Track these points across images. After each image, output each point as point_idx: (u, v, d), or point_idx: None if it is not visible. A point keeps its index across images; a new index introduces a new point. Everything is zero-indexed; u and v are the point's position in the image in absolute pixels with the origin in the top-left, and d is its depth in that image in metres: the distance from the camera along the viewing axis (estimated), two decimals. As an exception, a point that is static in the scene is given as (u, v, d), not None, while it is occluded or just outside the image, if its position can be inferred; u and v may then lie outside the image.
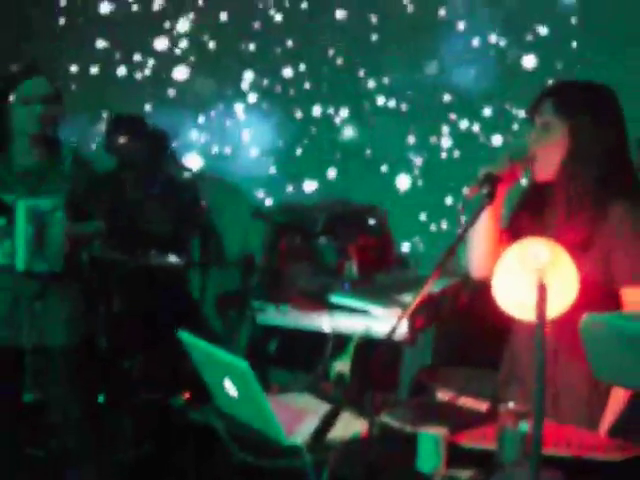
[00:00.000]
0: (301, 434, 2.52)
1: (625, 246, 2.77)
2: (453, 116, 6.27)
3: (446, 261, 2.64)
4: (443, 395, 2.88)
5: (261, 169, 6.66)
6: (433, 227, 6.24)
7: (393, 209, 5.32)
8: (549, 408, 2.69)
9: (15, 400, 4.19)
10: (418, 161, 6.39)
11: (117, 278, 5.15)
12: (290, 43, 6.76)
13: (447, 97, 6.29)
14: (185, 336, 2.77)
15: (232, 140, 6.80)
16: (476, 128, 6.21)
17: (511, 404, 2.43)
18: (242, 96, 6.83)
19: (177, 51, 7.00)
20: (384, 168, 6.40)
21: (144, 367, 5.10)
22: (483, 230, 2.94)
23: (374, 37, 6.51)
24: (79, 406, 4.16)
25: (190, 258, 5.34)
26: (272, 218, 4.71)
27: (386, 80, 6.45)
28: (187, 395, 2.91)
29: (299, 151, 6.70)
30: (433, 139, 6.33)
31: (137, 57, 7.06)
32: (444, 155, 6.32)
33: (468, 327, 4.17)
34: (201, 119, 6.86)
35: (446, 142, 6.32)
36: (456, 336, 4.24)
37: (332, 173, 6.53)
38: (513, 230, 2.93)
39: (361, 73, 6.55)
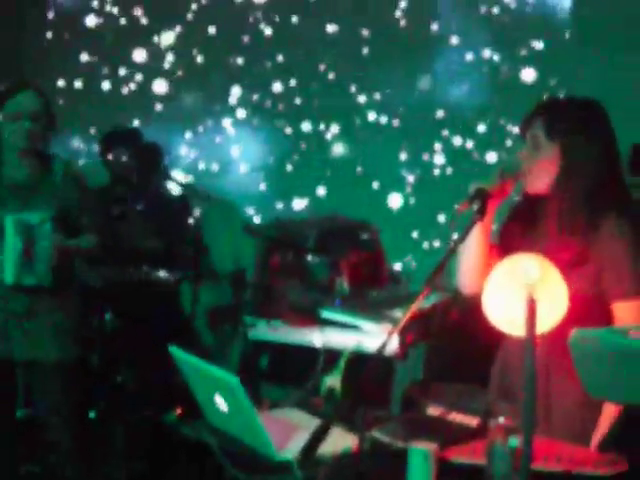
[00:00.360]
0: (292, 449, 2.52)
1: (616, 261, 2.78)
2: (446, 132, 6.27)
3: (436, 276, 2.64)
4: (434, 410, 2.87)
5: (250, 186, 6.61)
6: (426, 245, 6.23)
7: (385, 227, 5.27)
8: (541, 423, 2.71)
9: (10, 416, 4.19)
10: (410, 178, 6.35)
11: (109, 294, 5.15)
12: (280, 58, 6.72)
13: (440, 113, 6.28)
14: (176, 351, 2.76)
15: (221, 156, 6.78)
16: (470, 144, 6.19)
17: (501, 419, 2.43)
18: (231, 111, 6.82)
19: (165, 65, 6.96)
20: (375, 185, 6.37)
21: (136, 383, 5.09)
22: (473, 246, 2.95)
23: (365, 51, 6.50)
24: (71, 422, 4.14)
25: (182, 273, 5.33)
26: (263, 233, 4.71)
27: (377, 96, 6.43)
28: (179, 411, 2.91)
29: (289, 167, 6.67)
30: (425, 156, 6.32)
31: (122, 71, 7.02)
32: (437, 172, 6.28)
33: (460, 343, 4.18)
34: (188, 134, 6.83)
35: (439, 159, 6.30)
36: (448, 352, 4.24)
37: (322, 190, 6.49)
38: (503, 245, 2.95)
39: (352, 88, 6.52)
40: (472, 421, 2.75)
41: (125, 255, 5.23)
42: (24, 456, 4.35)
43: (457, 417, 2.80)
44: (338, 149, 6.54)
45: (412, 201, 6.31)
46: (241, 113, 6.78)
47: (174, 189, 5.78)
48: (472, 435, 2.64)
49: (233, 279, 5.16)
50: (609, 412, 2.76)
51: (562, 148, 2.84)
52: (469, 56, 6.20)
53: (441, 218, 6.13)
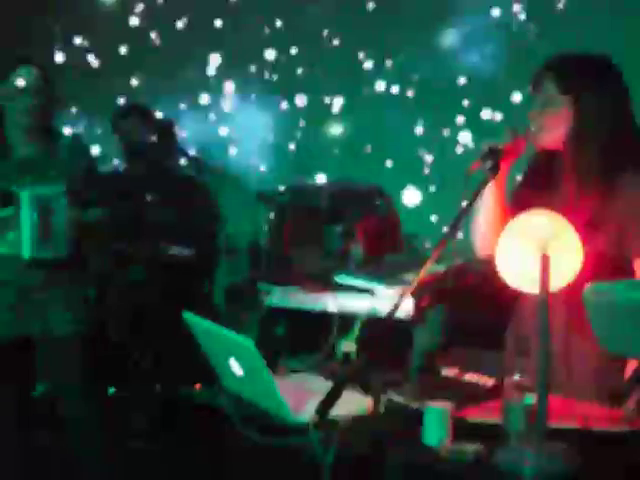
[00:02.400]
0: (308, 413, 2.52)
1: (637, 217, 2.75)
2: (469, 103, 5.59)
3: (449, 238, 2.63)
4: (449, 371, 2.87)
5: (255, 162, 6.17)
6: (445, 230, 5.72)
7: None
8: (563, 383, 2.70)
9: (26, 392, 4.22)
10: (429, 158, 5.74)
11: (126, 269, 5.17)
12: (278, 23, 6.17)
13: (462, 80, 5.61)
14: (190, 317, 2.76)
15: (225, 131, 6.33)
16: (498, 117, 5.48)
17: (517, 377, 2.43)
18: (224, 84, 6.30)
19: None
20: (389, 164, 5.80)
21: (154, 358, 5.11)
22: (487, 205, 2.93)
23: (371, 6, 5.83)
24: (87, 397, 4.16)
25: (198, 248, 5.34)
26: (277, 200, 4.70)
27: (389, 62, 5.83)
28: (197, 386, 2.92)
29: (292, 146, 6.19)
30: (446, 131, 5.66)
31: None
32: (460, 150, 5.56)
33: (476, 307, 4.16)
34: (190, 107, 6.40)
35: (464, 136, 5.51)
36: (465, 316, 4.23)
37: (323, 177, 5.69)
38: (517, 205, 2.91)
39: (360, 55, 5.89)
40: (488, 381, 2.75)
41: (142, 230, 5.23)
42: (41, 432, 4.36)
43: (472, 377, 2.80)
44: (343, 124, 5.91)
45: (432, 182, 5.50)
46: (234, 86, 6.26)
47: (186, 163, 5.77)
48: (488, 394, 2.64)
49: (249, 252, 5.17)
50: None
51: (573, 102, 2.81)
52: (496, 11, 5.44)
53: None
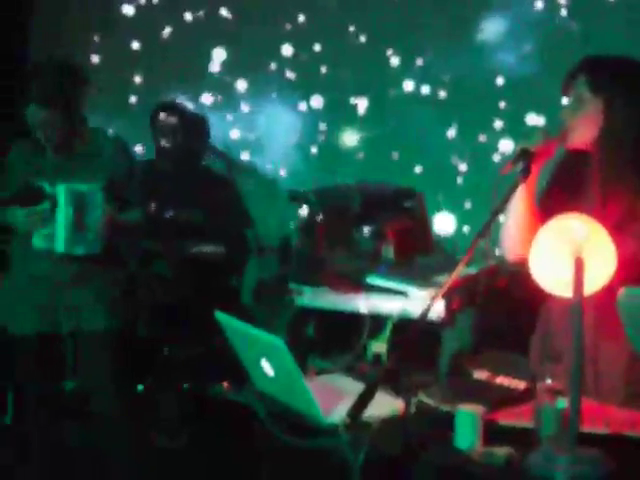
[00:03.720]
0: (338, 414, 2.52)
1: None
2: (509, 105, 5.12)
3: (479, 241, 2.62)
4: (480, 374, 2.86)
5: (283, 163, 5.95)
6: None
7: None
8: (590, 387, 2.69)
9: (57, 388, 4.24)
10: (462, 166, 5.28)
11: (156, 266, 5.18)
12: (302, 19, 5.84)
13: (500, 80, 5.14)
14: (221, 317, 2.77)
15: (255, 132, 6.10)
16: (540, 121, 5.03)
17: (548, 381, 2.42)
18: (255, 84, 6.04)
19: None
20: (418, 171, 5.41)
21: (183, 355, 5.12)
22: (518, 208, 2.92)
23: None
24: (117, 393, 4.17)
25: (228, 246, 5.35)
26: (309, 200, 4.70)
27: (419, 61, 5.40)
28: (226, 384, 2.92)
29: (314, 150, 5.87)
30: (482, 137, 5.22)
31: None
32: (497, 158, 5.10)
33: (507, 310, 4.15)
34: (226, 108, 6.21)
35: (504, 144, 4.98)
36: (495, 319, 4.22)
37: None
38: (548, 207, 2.90)
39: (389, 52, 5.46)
40: (519, 385, 2.74)
41: (171, 228, 5.25)
42: (70, 428, 4.38)
43: (504, 381, 2.79)
44: (369, 126, 5.53)
45: (467, 205, 5.09)
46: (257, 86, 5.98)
47: (217, 162, 5.78)
48: (519, 398, 2.63)
49: (280, 252, 5.17)
50: None
51: (606, 103, 2.80)
52: (539, 3, 5.01)
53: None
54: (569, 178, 2.94)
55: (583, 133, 2.84)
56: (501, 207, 2.74)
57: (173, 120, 5.48)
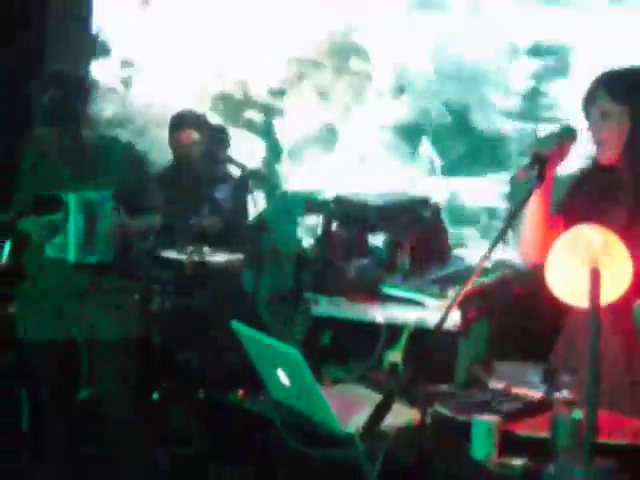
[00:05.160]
0: (354, 424, 2.52)
1: None
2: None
3: (494, 248, 2.61)
4: (496, 384, 2.86)
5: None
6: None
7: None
8: (604, 397, 2.68)
9: (71, 396, 4.24)
10: None
11: (171, 274, 5.19)
12: None
13: None
14: (238, 327, 2.77)
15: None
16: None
17: (565, 392, 2.41)
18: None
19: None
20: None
21: (199, 363, 5.12)
22: (532, 214, 2.91)
23: None
24: (132, 402, 4.17)
25: (244, 254, 5.35)
26: (325, 209, 4.70)
27: None
28: (242, 391, 2.93)
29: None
30: None
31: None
32: None
33: (523, 319, 4.14)
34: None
35: None
36: (511, 329, 4.21)
37: None
38: (568, 216, 2.88)
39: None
40: (535, 395, 2.73)
41: (186, 235, 5.26)
42: (87, 437, 4.38)
43: (520, 391, 2.78)
44: None
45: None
46: None
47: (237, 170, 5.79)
48: (536, 408, 2.63)
49: (296, 260, 5.17)
50: None
51: (630, 113, 2.80)
52: None
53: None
54: (593, 187, 2.93)
55: (614, 144, 2.83)
56: (516, 213, 2.73)
57: (196, 135, 5.51)
